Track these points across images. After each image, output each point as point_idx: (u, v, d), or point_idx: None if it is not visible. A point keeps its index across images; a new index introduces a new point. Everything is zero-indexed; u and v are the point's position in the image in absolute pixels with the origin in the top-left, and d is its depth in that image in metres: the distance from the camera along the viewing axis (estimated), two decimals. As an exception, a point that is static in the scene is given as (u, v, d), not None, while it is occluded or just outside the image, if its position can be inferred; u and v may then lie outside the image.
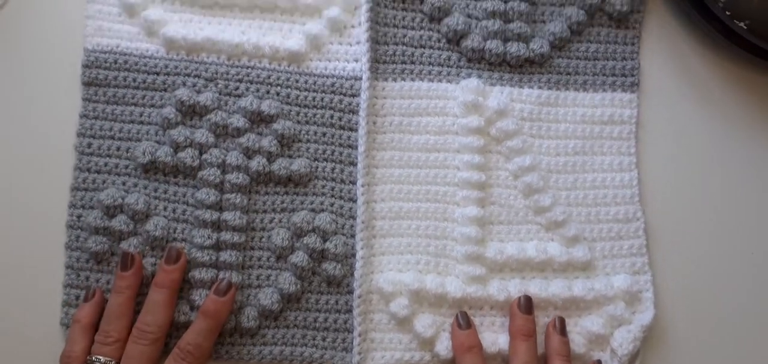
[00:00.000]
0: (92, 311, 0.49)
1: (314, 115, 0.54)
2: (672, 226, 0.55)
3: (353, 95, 0.54)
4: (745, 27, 0.55)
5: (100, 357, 0.47)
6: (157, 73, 0.53)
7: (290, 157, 0.53)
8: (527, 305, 0.51)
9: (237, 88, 0.54)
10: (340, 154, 0.53)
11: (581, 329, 0.52)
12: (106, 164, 0.52)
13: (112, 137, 0.53)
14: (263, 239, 0.52)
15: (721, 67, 0.58)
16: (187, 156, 0.51)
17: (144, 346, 0.47)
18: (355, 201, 0.53)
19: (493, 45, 0.54)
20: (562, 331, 0.51)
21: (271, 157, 0.52)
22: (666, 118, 0.57)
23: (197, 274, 0.50)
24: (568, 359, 0.50)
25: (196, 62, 0.53)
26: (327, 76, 0.54)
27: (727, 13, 0.55)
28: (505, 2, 0.54)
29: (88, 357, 0.47)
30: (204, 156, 0.52)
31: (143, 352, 0.47)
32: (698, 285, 0.54)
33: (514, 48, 0.54)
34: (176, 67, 0.53)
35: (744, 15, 0.56)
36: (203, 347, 0.47)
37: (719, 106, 0.57)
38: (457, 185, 0.53)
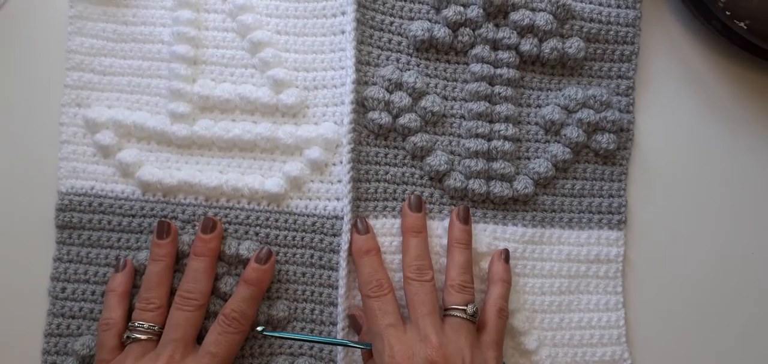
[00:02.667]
0: (125, 279, 0.62)
1: (294, 254, 0.65)
2: None
3: (334, 234, 0.65)
4: (745, 27, 0.70)
5: (144, 323, 0.60)
6: (133, 216, 0.64)
7: (269, 299, 0.64)
8: (418, 203, 0.64)
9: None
10: (321, 294, 0.65)
11: None
12: (80, 309, 0.64)
13: (87, 281, 0.64)
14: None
15: (721, 67, 0.73)
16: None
17: (189, 312, 0.60)
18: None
19: (476, 185, 0.66)
20: (465, 220, 0.63)
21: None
22: (666, 119, 0.71)
23: None
24: (468, 246, 0.63)
25: (173, 204, 0.65)
26: (307, 216, 0.66)
27: (727, 13, 0.69)
28: (489, 141, 0.66)
29: (130, 323, 0.60)
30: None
31: (188, 318, 0.60)
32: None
33: (498, 188, 0.66)
34: (153, 209, 0.65)
35: (744, 15, 0.70)
36: (247, 313, 0.61)
37: (719, 106, 0.72)
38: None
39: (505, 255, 0.65)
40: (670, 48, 0.72)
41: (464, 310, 0.59)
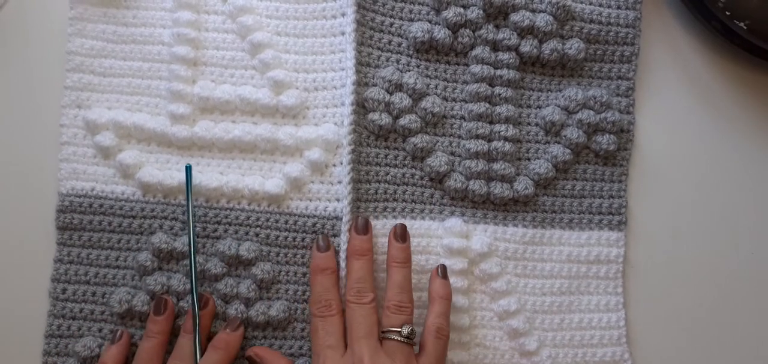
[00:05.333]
0: (118, 352, 0.64)
1: (294, 255, 0.68)
2: None
3: (334, 235, 0.68)
4: (744, 27, 0.72)
5: None
6: (134, 217, 0.67)
7: (269, 300, 0.66)
8: (365, 226, 0.66)
9: (215, 231, 0.67)
10: (321, 295, 0.67)
11: None
12: (81, 310, 0.66)
13: (88, 283, 0.66)
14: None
15: (721, 67, 0.75)
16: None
17: None
18: (335, 344, 0.66)
19: (477, 185, 0.68)
20: (403, 238, 0.65)
21: (248, 304, 0.65)
22: (666, 119, 0.74)
23: None
24: (405, 265, 0.64)
25: (173, 205, 0.67)
26: (308, 216, 0.68)
27: (727, 13, 0.72)
28: (489, 142, 0.69)
29: None
30: (181, 303, 0.64)
31: None
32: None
33: (498, 189, 0.69)
34: (153, 210, 0.67)
35: (744, 15, 0.72)
36: None
37: (719, 106, 0.75)
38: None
39: (443, 271, 0.66)
40: (670, 48, 0.75)
41: (399, 331, 0.61)
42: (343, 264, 0.66)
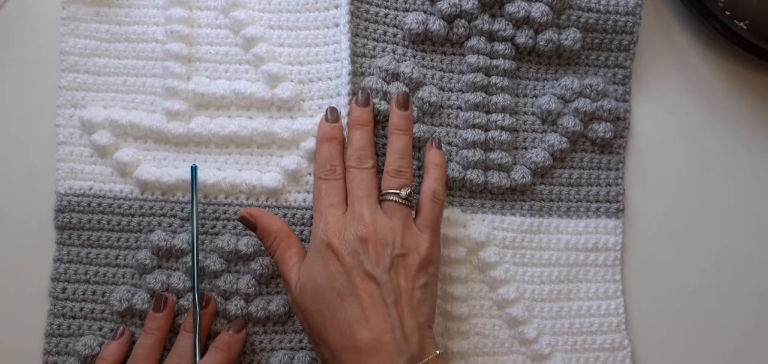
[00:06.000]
0: (118, 349, 0.65)
1: (293, 249, 0.68)
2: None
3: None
4: (744, 27, 0.73)
5: None
6: (132, 215, 0.67)
7: (268, 295, 0.67)
8: (366, 99, 0.67)
9: (213, 227, 0.67)
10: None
11: None
12: (81, 309, 0.67)
13: (88, 281, 0.67)
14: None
15: (721, 67, 0.76)
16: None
17: None
18: (336, 336, 0.67)
19: (474, 175, 0.69)
20: (405, 106, 0.67)
21: (248, 299, 0.66)
22: (665, 119, 0.74)
23: None
24: (406, 132, 0.66)
25: (171, 202, 0.68)
26: (306, 209, 0.69)
27: (727, 13, 0.72)
28: (486, 131, 0.69)
29: None
30: (181, 301, 0.65)
31: None
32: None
33: (496, 178, 0.69)
34: (151, 208, 0.68)
35: (744, 15, 0.73)
36: None
37: (719, 106, 0.75)
38: (440, 315, 0.67)
39: (438, 143, 0.67)
40: (669, 48, 0.75)
41: (398, 193, 0.62)
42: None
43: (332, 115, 0.67)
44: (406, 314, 0.58)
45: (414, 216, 0.64)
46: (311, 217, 0.69)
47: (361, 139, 0.65)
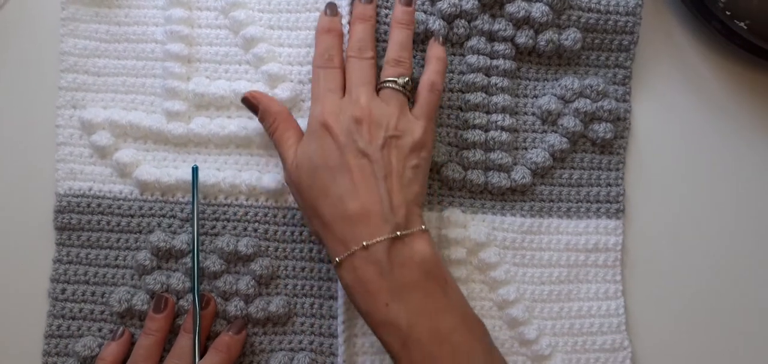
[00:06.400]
0: (118, 350, 0.65)
1: (293, 249, 0.69)
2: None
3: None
4: (745, 27, 0.72)
5: None
6: (132, 216, 0.68)
7: (268, 295, 0.67)
8: None
9: (213, 227, 0.68)
10: (320, 288, 0.68)
11: None
12: (81, 310, 0.67)
13: (87, 282, 0.67)
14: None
15: (721, 67, 0.76)
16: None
17: None
18: (335, 337, 0.68)
19: (474, 175, 0.69)
20: (408, 2, 0.67)
21: (248, 300, 0.66)
22: (665, 119, 0.74)
23: None
24: (408, 26, 0.66)
25: (171, 202, 0.68)
26: (305, 210, 0.68)
27: (727, 13, 0.72)
28: (486, 132, 0.69)
29: None
30: (181, 302, 0.65)
31: None
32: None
33: (496, 178, 0.69)
34: (151, 209, 0.68)
35: (744, 15, 0.73)
36: None
37: (719, 106, 0.75)
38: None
39: (442, 40, 0.69)
40: (669, 48, 0.75)
41: (396, 81, 0.63)
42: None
43: (331, 9, 0.68)
44: (395, 189, 0.59)
45: (411, 105, 0.65)
46: (311, 217, 0.69)
47: (362, 31, 0.65)
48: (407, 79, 0.64)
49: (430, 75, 0.65)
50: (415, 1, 0.68)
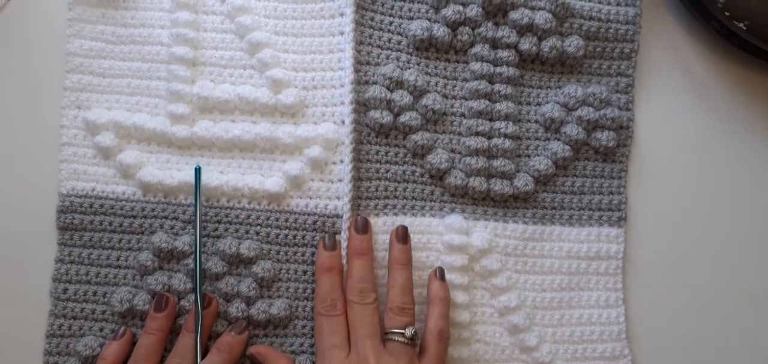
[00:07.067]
0: (119, 349, 0.65)
1: (295, 253, 0.69)
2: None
3: (335, 233, 0.69)
4: (744, 28, 0.73)
5: None
6: (134, 217, 0.68)
7: (270, 298, 0.67)
8: (364, 225, 0.67)
9: (216, 230, 0.68)
10: (321, 292, 0.68)
11: None
12: (82, 310, 0.67)
13: (89, 282, 0.67)
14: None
15: (720, 67, 0.76)
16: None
17: None
18: (336, 342, 0.67)
19: (477, 182, 0.70)
20: (404, 240, 0.67)
21: (249, 302, 0.66)
22: (665, 118, 0.75)
23: None
24: (407, 266, 0.66)
25: (173, 204, 0.68)
26: (308, 214, 0.69)
27: (727, 13, 0.73)
28: (489, 139, 0.70)
29: None
30: (182, 302, 0.66)
31: None
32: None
33: (498, 185, 0.70)
34: (153, 210, 0.68)
35: (743, 16, 0.74)
36: None
37: (719, 106, 0.76)
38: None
39: (441, 273, 0.67)
40: (669, 49, 0.76)
41: (403, 333, 0.62)
42: (344, 264, 0.67)
43: (330, 241, 0.67)
44: None
45: (418, 351, 0.64)
46: (313, 222, 0.69)
47: (361, 270, 0.65)
48: (414, 329, 0.63)
49: (436, 321, 0.64)
50: (410, 240, 0.68)
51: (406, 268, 0.66)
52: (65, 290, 0.68)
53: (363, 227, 0.68)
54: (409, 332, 0.63)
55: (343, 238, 0.68)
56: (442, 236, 0.70)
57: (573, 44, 0.72)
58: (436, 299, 0.65)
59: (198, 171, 0.67)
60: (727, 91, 0.76)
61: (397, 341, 0.62)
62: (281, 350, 0.67)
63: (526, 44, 0.72)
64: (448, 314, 0.66)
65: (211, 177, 0.69)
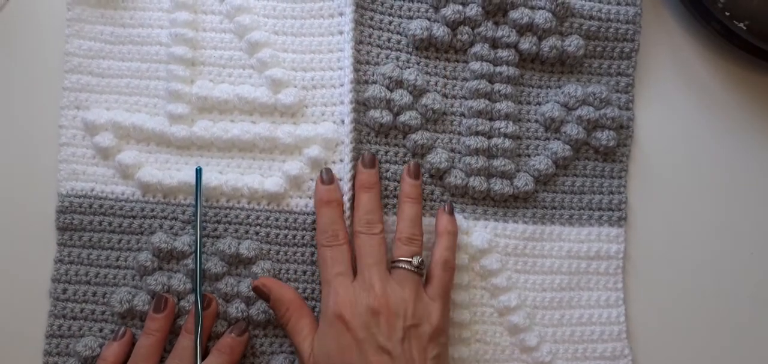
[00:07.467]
0: (119, 349, 0.65)
1: (294, 253, 0.69)
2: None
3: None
4: (744, 28, 0.73)
5: None
6: (134, 217, 0.68)
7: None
8: (371, 160, 0.68)
9: (215, 230, 0.68)
10: (321, 292, 0.68)
11: None
12: (82, 310, 0.67)
13: (88, 283, 0.68)
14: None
15: (720, 67, 0.76)
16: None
17: None
18: (336, 342, 0.67)
19: (477, 182, 0.69)
20: (416, 175, 0.68)
21: (249, 302, 0.66)
22: (666, 119, 0.75)
23: None
24: (418, 201, 0.67)
25: (173, 204, 0.68)
26: (308, 214, 0.69)
27: (727, 13, 0.73)
28: (489, 138, 0.70)
29: None
30: (181, 303, 0.66)
31: None
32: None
33: (498, 185, 0.70)
34: (153, 210, 0.68)
35: (743, 16, 0.73)
36: None
37: (719, 106, 0.76)
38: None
39: (449, 208, 0.68)
40: (669, 49, 0.76)
41: (410, 261, 0.63)
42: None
43: (327, 175, 0.68)
44: None
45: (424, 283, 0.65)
46: (313, 222, 0.69)
47: (369, 202, 0.66)
48: (421, 259, 0.64)
49: (442, 252, 0.65)
50: (422, 177, 0.69)
51: (417, 202, 0.67)
52: (65, 291, 0.68)
53: (370, 162, 0.68)
54: (416, 260, 0.63)
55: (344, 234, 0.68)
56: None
57: (573, 44, 0.72)
58: (443, 232, 0.66)
59: (199, 172, 0.67)
60: (727, 91, 0.76)
61: (404, 268, 0.63)
62: (281, 352, 0.67)
63: (526, 44, 0.72)
64: (455, 247, 0.66)
65: (211, 177, 0.69)
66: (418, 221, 0.66)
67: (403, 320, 0.60)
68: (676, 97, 0.75)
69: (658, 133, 0.75)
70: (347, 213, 0.68)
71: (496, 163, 0.71)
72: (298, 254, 0.70)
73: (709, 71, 0.76)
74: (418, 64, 0.71)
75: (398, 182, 0.70)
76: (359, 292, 0.61)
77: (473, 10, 0.71)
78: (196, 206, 0.67)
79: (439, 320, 0.62)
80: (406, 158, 0.71)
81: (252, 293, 0.67)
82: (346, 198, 0.68)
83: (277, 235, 0.69)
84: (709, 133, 0.75)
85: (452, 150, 0.71)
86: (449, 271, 0.65)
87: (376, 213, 0.66)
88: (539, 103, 0.73)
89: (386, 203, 0.70)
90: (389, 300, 0.61)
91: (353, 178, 0.68)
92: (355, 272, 0.64)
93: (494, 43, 0.72)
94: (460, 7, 0.71)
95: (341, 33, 0.72)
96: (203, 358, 0.64)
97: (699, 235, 0.74)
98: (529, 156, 0.73)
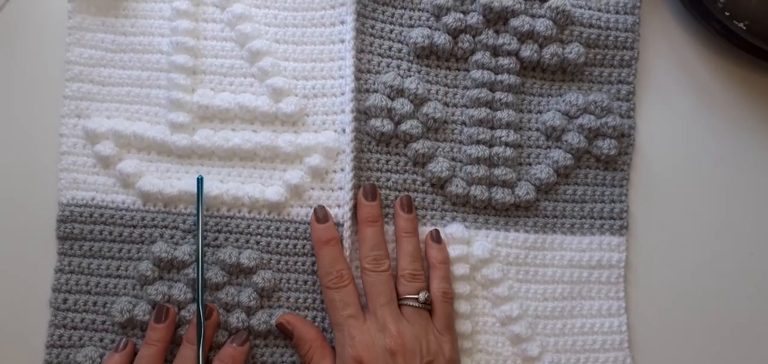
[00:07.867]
0: (121, 361, 0.65)
1: (295, 262, 0.69)
2: None
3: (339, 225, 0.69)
4: (744, 28, 0.73)
5: None
6: (134, 226, 0.68)
7: (270, 308, 0.67)
8: (373, 192, 0.68)
9: (216, 239, 0.68)
10: (322, 301, 0.69)
11: None
12: (82, 320, 0.67)
13: (89, 292, 0.67)
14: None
15: (720, 67, 0.76)
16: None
17: None
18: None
19: (478, 191, 0.69)
20: (409, 209, 0.68)
21: (250, 312, 0.66)
22: (666, 122, 0.75)
23: None
24: (414, 234, 0.68)
25: (173, 213, 0.68)
26: (308, 223, 0.69)
27: (727, 13, 0.73)
28: (490, 147, 0.70)
29: None
30: (182, 312, 0.65)
31: None
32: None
33: (500, 194, 0.70)
34: (153, 220, 0.68)
35: (743, 16, 0.73)
36: None
37: (719, 107, 0.76)
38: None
39: (436, 236, 0.69)
40: (669, 50, 0.76)
41: (417, 298, 0.64)
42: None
43: (322, 213, 0.68)
44: None
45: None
46: (313, 231, 0.69)
47: (373, 238, 0.66)
48: (427, 294, 0.65)
49: (439, 284, 0.66)
50: (415, 209, 0.70)
51: (414, 236, 0.67)
52: (65, 300, 0.68)
53: (372, 194, 0.68)
54: (422, 296, 0.65)
55: (347, 245, 0.68)
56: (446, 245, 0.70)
57: (574, 51, 0.72)
58: (435, 264, 0.67)
59: (200, 181, 0.67)
60: (728, 91, 0.76)
61: (412, 306, 0.64)
62: (282, 363, 0.68)
63: (527, 51, 0.72)
64: (449, 275, 0.68)
65: (212, 186, 0.69)
66: (418, 255, 0.67)
67: (421, 358, 0.62)
68: (676, 98, 0.75)
69: (659, 138, 0.74)
70: (349, 222, 0.68)
71: (497, 172, 0.71)
72: (299, 264, 0.69)
73: (709, 71, 0.76)
74: (419, 72, 0.71)
75: (399, 191, 0.70)
76: (375, 334, 0.62)
77: (474, 19, 0.71)
78: (197, 215, 0.67)
79: (451, 353, 0.64)
80: (407, 167, 0.71)
81: (253, 302, 0.67)
82: (346, 208, 0.68)
83: (278, 244, 0.69)
84: (710, 136, 0.75)
85: (453, 159, 0.71)
86: (449, 301, 0.66)
87: (382, 248, 0.66)
88: (540, 112, 0.73)
89: (387, 212, 0.70)
90: (405, 339, 0.62)
91: (354, 187, 0.68)
92: (361, 307, 0.65)
93: (495, 51, 0.72)
94: (461, 16, 0.71)
95: (342, 42, 0.72)
96: None
97: (701, 243, 0.74)
98: (530, 165, 0.73)
